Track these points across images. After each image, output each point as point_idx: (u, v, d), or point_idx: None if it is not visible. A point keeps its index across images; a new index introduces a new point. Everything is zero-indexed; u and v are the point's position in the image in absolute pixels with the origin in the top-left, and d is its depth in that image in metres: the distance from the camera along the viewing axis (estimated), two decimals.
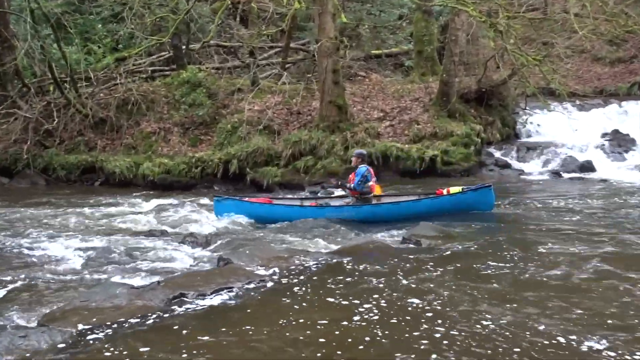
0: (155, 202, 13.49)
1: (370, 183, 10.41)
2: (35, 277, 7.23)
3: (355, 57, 20.94)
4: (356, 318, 4.84)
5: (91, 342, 4.43)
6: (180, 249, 8.90)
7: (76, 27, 20.28)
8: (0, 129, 18.14)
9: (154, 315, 4.98)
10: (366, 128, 16.28)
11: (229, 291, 5.62)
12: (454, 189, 10.38)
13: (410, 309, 5.10)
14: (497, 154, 16.93)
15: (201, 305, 5.26)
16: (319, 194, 11.49)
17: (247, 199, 11.85)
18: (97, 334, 4.59)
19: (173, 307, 5.21)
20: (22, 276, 7.25)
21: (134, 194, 15.30)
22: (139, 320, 4.90)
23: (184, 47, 19.91)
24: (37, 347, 4.18)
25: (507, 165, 16.20)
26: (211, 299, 5.42)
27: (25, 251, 8.95)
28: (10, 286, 6.80)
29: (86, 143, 18.24)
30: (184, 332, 4.60)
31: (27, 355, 4.06)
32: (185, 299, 5.38)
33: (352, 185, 10.40)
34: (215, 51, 22.05)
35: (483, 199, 10.23)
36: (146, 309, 5.13)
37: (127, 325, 4.77)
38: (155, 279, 6.86)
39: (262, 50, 21.46)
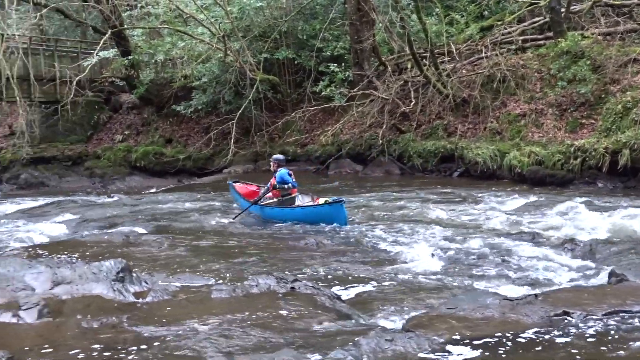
0: (523, 199, 13.62)
1: (289, 184, 12.61)
2: (395, 275, 7.92)
3: None
4: None
5: (458, 354, 4.63)
6: (557, 257, 8.84)
7: None
8: (356, 111, 20.16)
9: (530, 334, 4.98)
10: None
11: (625, 315, 5.32)
12: (321, 200, 12.23)
13: None
14: None
15: (589, 329, 5.08)
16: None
17: (238, 184, 14.29)
18: (465, 346, 4.77)
19: (553, 328, 5.13)
20: (382, 273, 8.03)
21: (498, 187, 15.56)
22: (512, 337, 4.95)
23: (563, 9, 19.47)
24: (403, 352, 4.52)
25: None
26: (602, 322, 5.20)
27: (382, 246, 9.88)
28: (372, 283, 7.55)
29: (445, 127, 19.25)
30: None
31: None
32: (569, 318, 5.26)
33: (274, 183, 12.57)
34: (603, 12, 21.03)
35: (336, 214, 11.65)
36: (521, 325, 5.16)
37: (497, 342, 4.86)
38: (529, 290, 6.92)
39: None
